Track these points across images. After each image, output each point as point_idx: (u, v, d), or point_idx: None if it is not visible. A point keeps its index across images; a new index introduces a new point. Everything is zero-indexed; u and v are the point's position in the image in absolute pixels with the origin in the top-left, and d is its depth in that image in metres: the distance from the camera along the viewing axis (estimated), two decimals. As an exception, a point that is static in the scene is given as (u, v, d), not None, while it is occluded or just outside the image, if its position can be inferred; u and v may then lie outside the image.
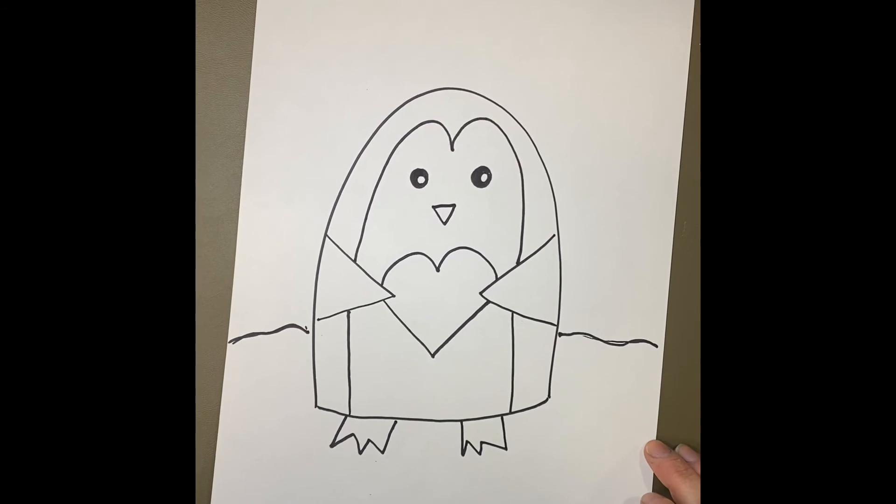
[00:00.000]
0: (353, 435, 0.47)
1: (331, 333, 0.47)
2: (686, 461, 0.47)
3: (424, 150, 0.47)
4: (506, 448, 0.48)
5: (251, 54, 0.46)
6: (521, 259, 0.48)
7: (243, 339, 0.47)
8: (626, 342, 0.48)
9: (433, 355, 0.48)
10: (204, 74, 0.45)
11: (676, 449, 0.48)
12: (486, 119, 0.47)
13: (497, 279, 0.48)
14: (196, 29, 0.45)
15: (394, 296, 0.47)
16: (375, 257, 0.47)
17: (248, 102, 0.46)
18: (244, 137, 0.46)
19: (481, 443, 0.48)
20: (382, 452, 0.47)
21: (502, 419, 0.48)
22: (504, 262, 0.48)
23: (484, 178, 0.47)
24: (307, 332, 0.47)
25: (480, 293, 0.48)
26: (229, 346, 0.47)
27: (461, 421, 0.48)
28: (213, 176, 0.46)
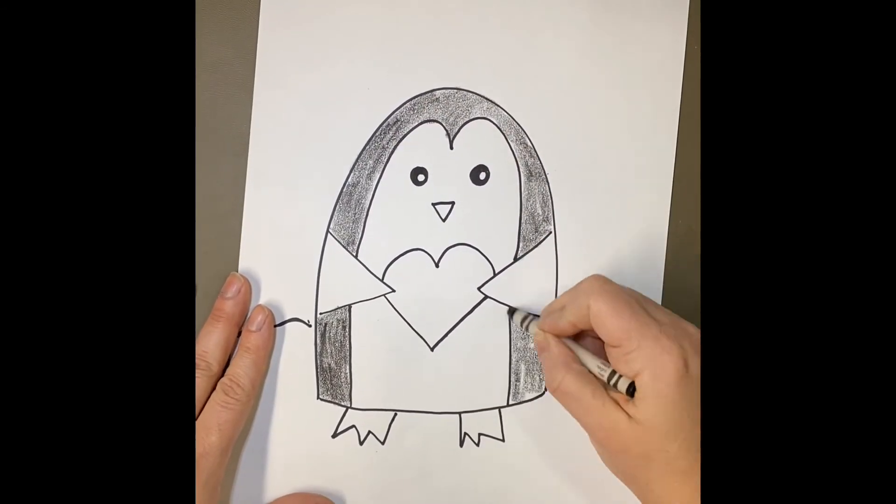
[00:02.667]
0: (354, 426, 0.48)
1: (332, 327, 0.48)
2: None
3: (424, 148, 0.48)
4: (503, 440, 0.49)
5: (256, 54, 0.47)
6: (519, 255, 0.49)
7: (246, 333, 0.47)
8: (621, 337, 0.49)
9: (432, 349, 0.49)
10: (210, 74, 0.47)
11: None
12: (484, 118, 0.48)
13: (495, 275, 0.49)
14: (203, 29, 0.46)
15: (394, 291, 0.48)
16: (376, 253, 0.48)
17: (252, 101, 0.47)
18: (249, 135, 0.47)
19: (479, 434, 0.49)
20: (383, 443, 0.48)
21: (500, 411, 0.49)
22: (502, 259, 0.49)
23: (482, 176, 0.48)
24: (309, 326, 0.48)
25: (478, 288, 0.49)
26: (232, 339, 0.47)
27: (460, 413, 0.49)
28: (220, 173, 0.47)
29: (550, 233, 0.49)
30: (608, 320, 0.42)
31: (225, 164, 0.47)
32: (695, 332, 0.42)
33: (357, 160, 0.48)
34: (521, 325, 0.47)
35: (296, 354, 0.48)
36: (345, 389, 0.48)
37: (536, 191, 0.49)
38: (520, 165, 0.49)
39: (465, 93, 0.48)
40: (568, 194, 0.49)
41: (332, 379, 0.48)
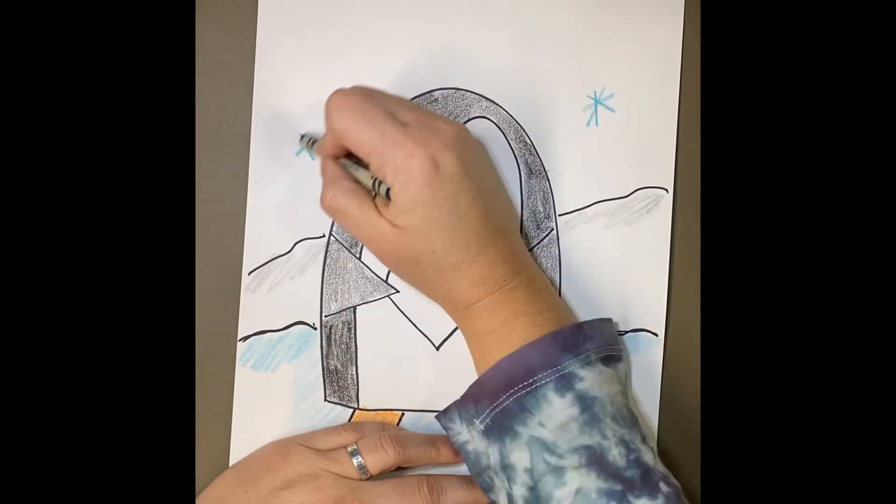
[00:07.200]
0: (361, 427, 0.48)
1: (338, 329, 0.48)
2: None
3: (425, 149, 0.48)
4: (511, 438, 0.49)
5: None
6: (521, 253, 0.49)
7: (252, 338, 0.48)
8: (626, 332, 0.49)
9: (438, 348, 0.49)
10: (213, 74, 0.47)
11: None
12: (483, 117, 0.48)
13: (498, 273, 0.49)
14: (204, 31, 0.47)
15: (398, 291, 0.48)
16: (379, 255, 0.48)
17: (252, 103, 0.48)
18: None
19: (487, 433, 0.48)
20: (390, 445, 0.48)
21: (507, 410, 0.49)
22: (505, 257, 0.49)
23: (483, 175, 0.49)
24: (315, 329, 0.48)
25: (482, 287, 0.49)
26: (239, 343, 0.48)
27: (467, 412, 0.48)
28: (222, 173, 0.47)
29: (552, 230, 0.49)
30: (350, 137, 0.42)
31: (228, 163, 0.47)
32: (447, 128, 0.42)
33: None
34: (308, 148, 0.47)
35: (302, 357, 0.48)
36: (352, 391, 0.48)
37: (537, 188, 0.49)
38: (520, 163, 0.49)
39: (463, 92, 0.48)
40: (568, 190, 0.49)
41: (339, 381, 0.48)
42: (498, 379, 0.41)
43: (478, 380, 0.42)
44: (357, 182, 0.44)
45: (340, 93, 0.43)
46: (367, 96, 0.43)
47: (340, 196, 0.43)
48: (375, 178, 0.43)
